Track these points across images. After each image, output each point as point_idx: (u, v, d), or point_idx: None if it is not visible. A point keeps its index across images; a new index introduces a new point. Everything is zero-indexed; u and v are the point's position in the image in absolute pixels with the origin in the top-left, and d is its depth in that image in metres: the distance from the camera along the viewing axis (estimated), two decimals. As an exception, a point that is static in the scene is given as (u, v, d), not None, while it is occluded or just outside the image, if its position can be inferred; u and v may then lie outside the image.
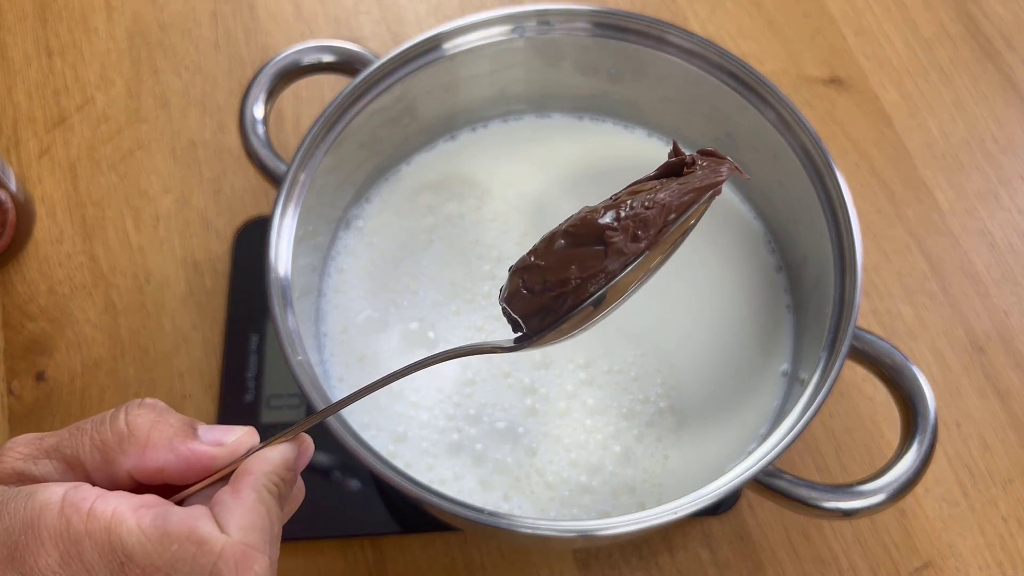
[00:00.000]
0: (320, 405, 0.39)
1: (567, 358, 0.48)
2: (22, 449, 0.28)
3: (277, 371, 0.53)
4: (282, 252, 0.43)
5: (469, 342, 0.48)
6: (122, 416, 0.28)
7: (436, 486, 0.43)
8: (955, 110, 0.63)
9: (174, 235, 0.58)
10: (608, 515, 0.44)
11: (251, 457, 0.30)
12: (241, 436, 0.30)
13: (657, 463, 0.45)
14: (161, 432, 0.28)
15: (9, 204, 0.55)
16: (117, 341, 0.55)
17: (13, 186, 0.55)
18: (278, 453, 0.30)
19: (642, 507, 0.44)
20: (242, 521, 0.28)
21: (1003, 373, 0.55)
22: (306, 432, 0.31)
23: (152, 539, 0.26)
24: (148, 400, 0.29)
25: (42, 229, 0.58)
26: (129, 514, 0.26)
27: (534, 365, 0.47)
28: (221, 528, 0.27)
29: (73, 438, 0.28)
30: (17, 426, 0.52)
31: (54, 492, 0.26)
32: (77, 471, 0.28)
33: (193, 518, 0.27)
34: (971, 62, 0.65)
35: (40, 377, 0.54)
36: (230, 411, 0.52)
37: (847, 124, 0.63)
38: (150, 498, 0.28)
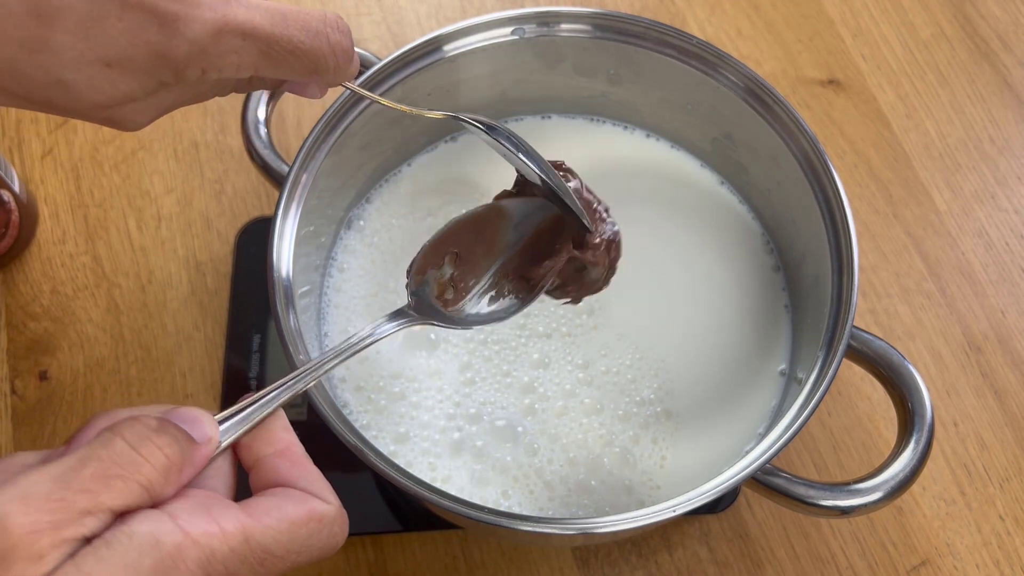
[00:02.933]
0: (321, 404, 0.39)
1: (566, 358, 0.48)
2: (46, 527, 0.25)
3: (279, 370, 0.53)
4: (284, 252, 0.44)
5: (468, 343, 0.48)
6: (157, 451, 0.28)
7: (438, 485, 0.44)
8: (952, 111, 0.64)
9: (176, 235, 0.58)
10: (606, 515, 0.44)
11: (272, 431, 0.32)
12: (210, 422, 0.31)
13: (654, 465, 0.46)
14: (185, 452, 0.29)
15: (12, 205, 0.55)
16: (119, 341, 0.55)
17: (16, 187, 0.56)
18: (283, 423, 0.33)
19: (640, 506, 0.44)
20: (324, 485, 0.31)
21: (1000, 372, 0.55)
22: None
23: (285, 531, 0.29)
24: (148, 417, 0.29)
25: (45, 230, 0.58)
26: (252, 520, 0.28)
27: (532, 364, 0.48)
28: (320, 498, 0.31)
29: (112, 488, 0.26)
30: (20, 425, 0.53)
31: (172, 530, 0.27)
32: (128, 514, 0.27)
33: (304, 501, 0.30)
34: (968, 63, 0.65)
35: (43, 376, 0.54)
36: (232, 410, 0.52)
37: (845, 125, 0.63)
38: (224, 500, 0.30)
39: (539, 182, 0.40)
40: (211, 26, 0.30)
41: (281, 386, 0.33)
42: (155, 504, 0.28)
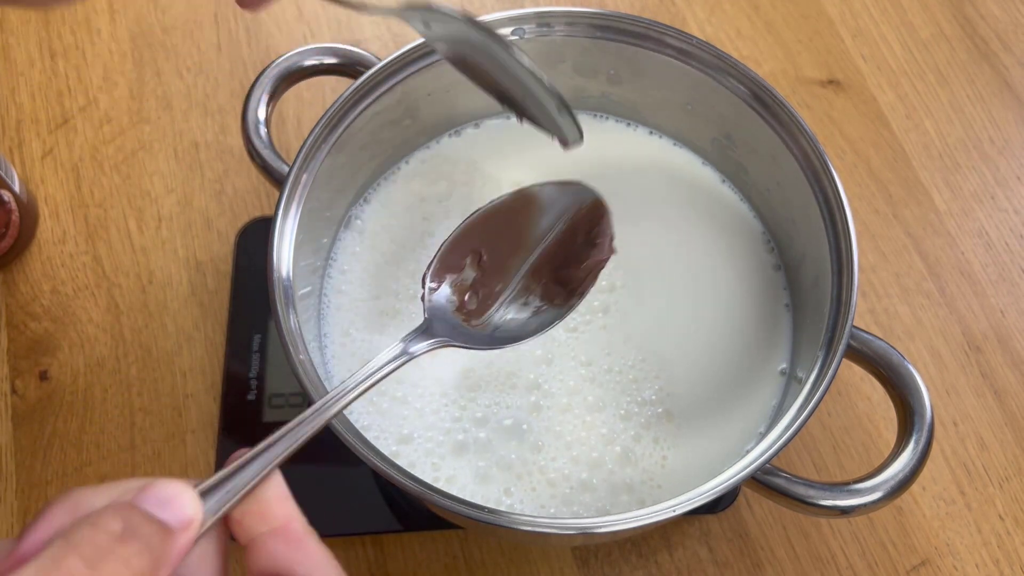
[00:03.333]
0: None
1: (569, 355, 0.48)
2: None
3: (279, 371, 0.53)
4: (284, 252, 0.44)
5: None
6: (120, 568, 0.22)
7: (441, 485, 0.44)
8: (952, 111, 0.64)
9: (176, 236, 0.58)
10: (607, 513, 0.44)
11: (265, 503, 0.27)
12: (191, 500, 0.25)
13: (655, 464, 0.46)
14: (156, 553, 0.23)
15: (13, 205, 0.55)
16: (120, 341, 0.55)
17: (16, 187, 0.56)
18: (279, 492, 0.28)
19: (641, 505, 0.44)
20: (327, 570, 0.27)
21: (1000, 372, 0.55)
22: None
23: None
24: (107, 523, 0.23)
25: (45, 230, 0.58)
26: None
27: (536, 362, 0.48)
28: None
29: None
30: (21, 425, 0.53)
31: None
32: None
33: None
34: (968, 64, 0.65)
35: (43, 376, 0.54)
36: (232, 411, 0.52)
37: (845, 125, 0.63)
38: None
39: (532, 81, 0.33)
40: None
41: (276, 441, 0.28)
42: None
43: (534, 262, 0.36)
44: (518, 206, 0.37)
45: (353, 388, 0.32)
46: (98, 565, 0.22)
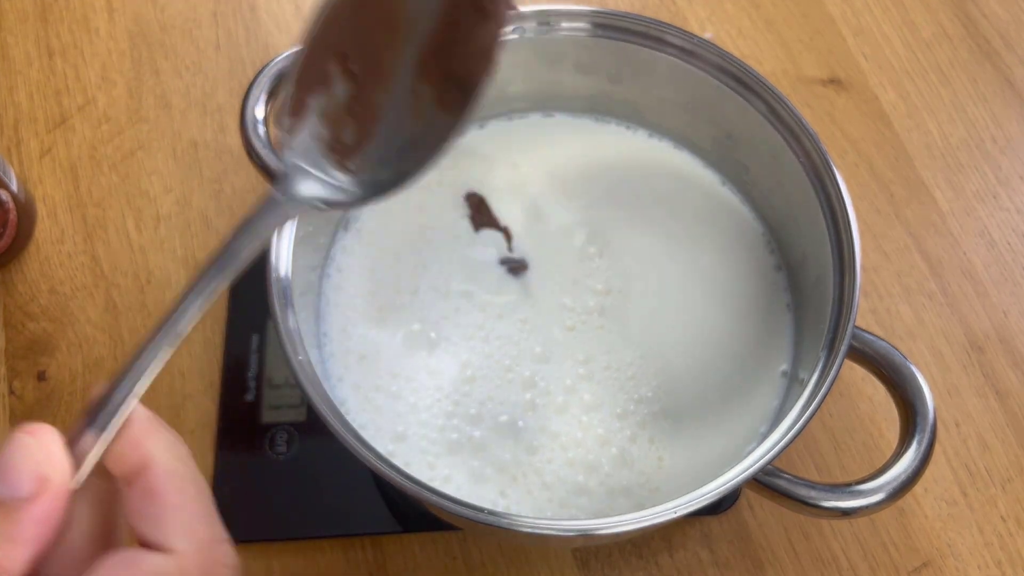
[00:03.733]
0: (320, 404, 0.39)
1: (567, 353, 0.48)
2: None
3: (278, 371, 0.53)
4: (283, 252, 0.43)
5: (469, 341, 0.48)
6: None
7: (437, 485, 0.44)
8: (954, 110, 0.63)
9: (175, 235, 0.58)
10: (605, 516, 0.44)
11: (126, 442, 0.22)
12: (40, 459, 0.21)
13: (652, 465, 0.46)
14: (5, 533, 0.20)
15: (11, 204, 0.55)
16: (118, 341, 0.55)
17: (15, 186, 0.55)
18: (140, 427, 0.23)
19: (639, 509, 0.44)
20: (176, 525, 0.22)
21: (1002, 373, 0.55)
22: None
23: None
24: None
25: (43, 229, 0.58)
26: None
27: (534, 359, 0.48)
28: (160, 547, 0.21)
29: None
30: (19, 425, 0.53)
31: None
32: None
33: (128, 567, 0.20)
34: (970, 63, 0.65)
35: (41, 377, 0.54)
36: (230, 411, 0.52)
37: (846, 124, 0.63)
38: None
39: None
40: None
41: (134, 361, 0.23)
42: None
43: (417, 56, 0.26)
44: None
45: (218, 270, 0.25)
46: None
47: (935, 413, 0.41)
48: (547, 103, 0.55)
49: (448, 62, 0.26)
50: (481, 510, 0.37)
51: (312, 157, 0.25)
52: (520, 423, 0.46)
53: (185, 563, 0.21)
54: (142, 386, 0.24)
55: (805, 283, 0.48)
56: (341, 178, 0.26)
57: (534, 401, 0.46)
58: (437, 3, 0.25)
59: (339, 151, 0.26)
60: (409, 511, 0.50)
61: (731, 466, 0.39)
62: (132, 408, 0.23)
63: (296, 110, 0.25)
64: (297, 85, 0.26)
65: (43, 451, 0.20)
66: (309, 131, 0.25)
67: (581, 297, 0.49)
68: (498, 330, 0.48)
